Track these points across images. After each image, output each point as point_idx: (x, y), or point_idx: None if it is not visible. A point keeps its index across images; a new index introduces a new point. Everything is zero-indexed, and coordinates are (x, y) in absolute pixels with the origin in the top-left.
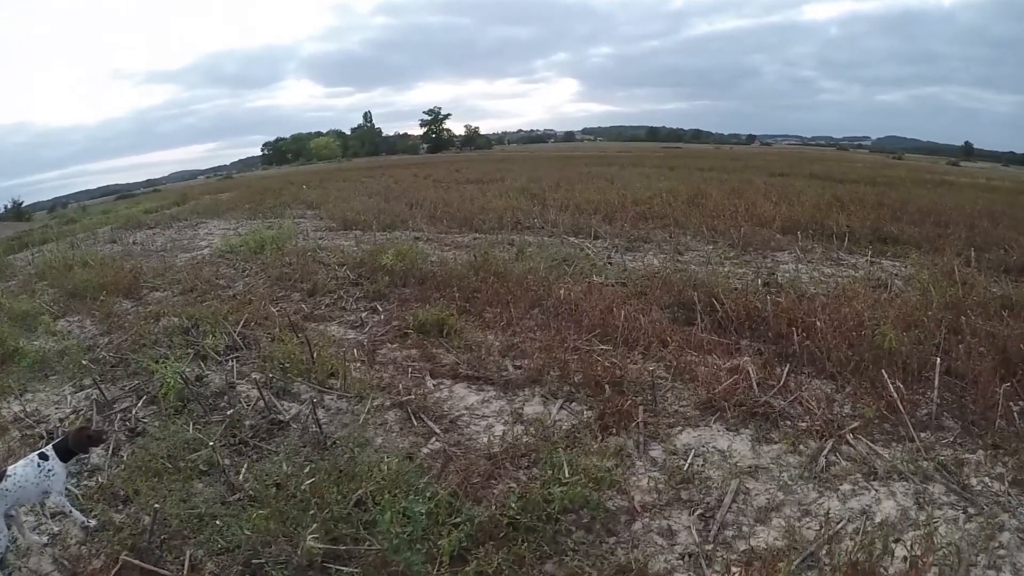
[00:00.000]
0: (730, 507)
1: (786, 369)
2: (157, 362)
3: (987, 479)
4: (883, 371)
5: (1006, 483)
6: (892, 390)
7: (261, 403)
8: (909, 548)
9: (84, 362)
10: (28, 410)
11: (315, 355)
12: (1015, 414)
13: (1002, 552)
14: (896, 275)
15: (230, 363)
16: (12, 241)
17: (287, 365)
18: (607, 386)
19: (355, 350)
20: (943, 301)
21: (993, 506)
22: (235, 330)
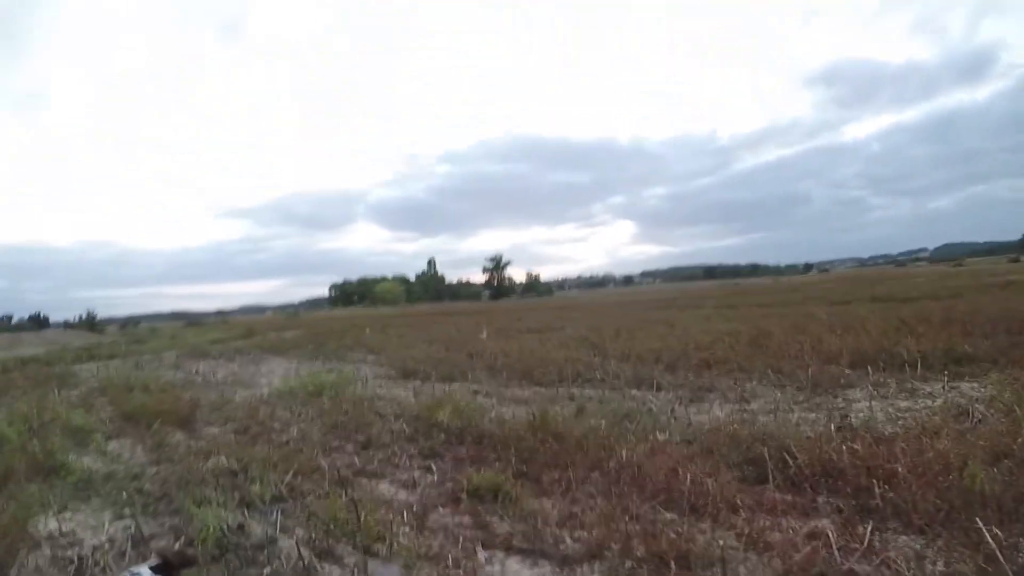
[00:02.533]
0: None
1: (868, 527)
2: (200, 505)
3: None
4: (977, 517)
5: None
6: (988, 537)
7: (301, 563)
8: None
9: (128, 492)
10: (64, 529)
11: (362, 516)
12: None
13: None
14: (977, 399)
15: (275, 514)
16: (81, 351)
17: (332, 525)
18: (672, 562)
19: (404, 513)
20: None
21: None
22: (284, 479)
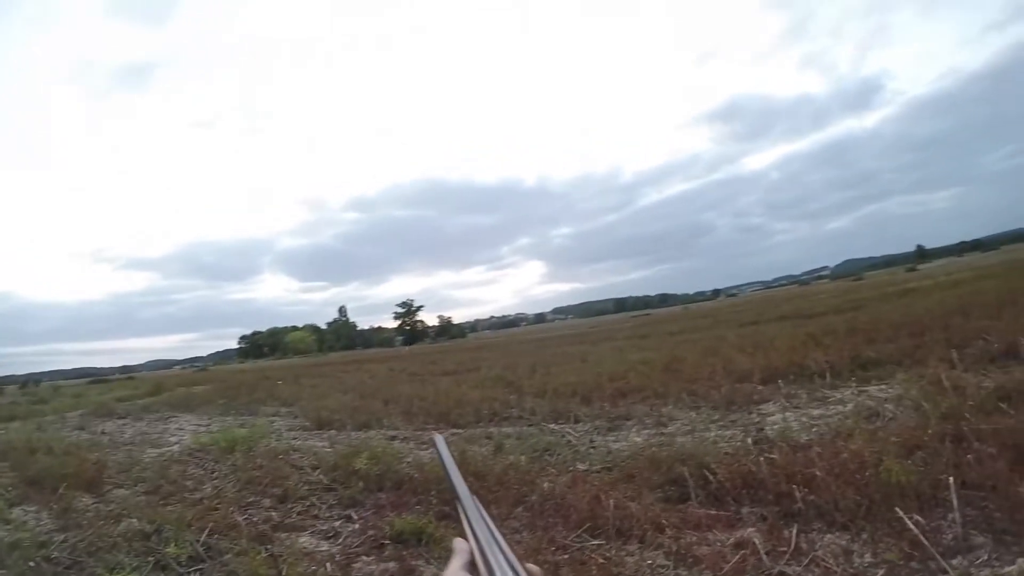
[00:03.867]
0: None
1: (794, 530)
2: (113, 571)
3: None
4: (896, 508)
5: None
6: (911, 524)
7: None
8: None
9: (35, 562)
10: None
11: (283, 571)
12: None
13: None
14: (885, 400)
15: None
16: None
17: None
18: None
19: (327, 564)
20: (939, 413)
21: None
22: (200, 538)
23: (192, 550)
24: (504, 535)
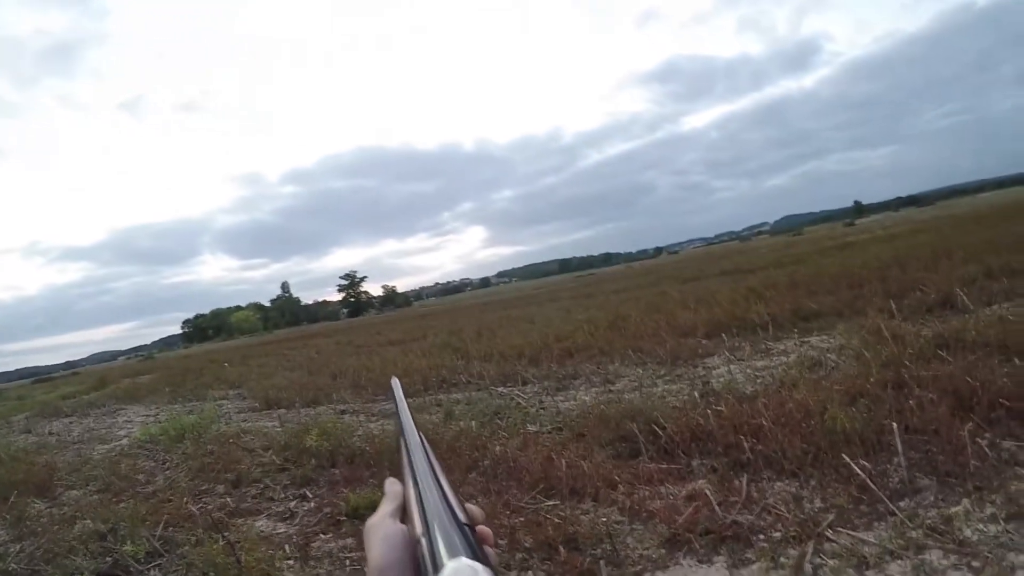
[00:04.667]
0: None
1: (744, 480)
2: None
3: (980, 525)
4: (843, 454)
5: (1000, 522)
6: (858, 470)
7: None
8: None
9: None
10: None
11: (242, 557)
12: (986, 449)
13: None
14: (827, 350)
15: (151, 572)
16: None
17: (212, 572)
18: (561, 546)
19: (286, 546)
20: (880, 361)
21: (996, 550)
22: (155, 533)
23: (149, 545)
24: (449, 477)
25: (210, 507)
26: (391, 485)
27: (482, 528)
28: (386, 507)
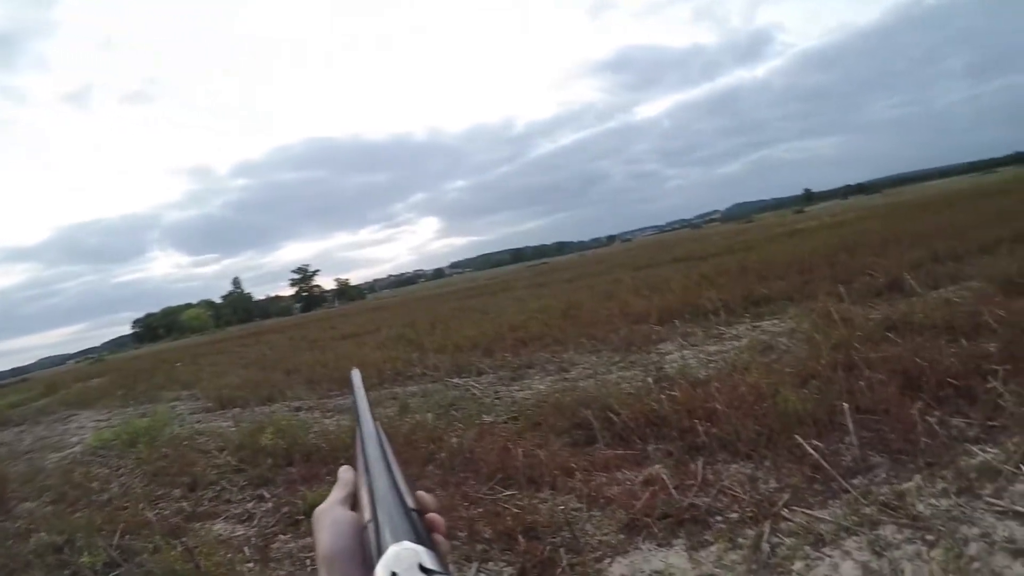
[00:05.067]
0: None
1: (700, 463)
2: None
3: (932, 500)
4: (796, 435)
5: (952, 496)
6: (811, 450)
7: None
8: None
9: None
10: None
11: (201, 563)
12: (936, 427)
13: (976, 565)
14: (779, 333)
15: None
16: None
17: None
18: (520, 535)
19: (245, 548)
20: (830, 344)
21: (949, 523)
22: (112, 542)
23: (106, 555)
24: (403, 467)
25: (167, 512)
26: (344, 472)
27: (432, 515)
28: (336, 494)
